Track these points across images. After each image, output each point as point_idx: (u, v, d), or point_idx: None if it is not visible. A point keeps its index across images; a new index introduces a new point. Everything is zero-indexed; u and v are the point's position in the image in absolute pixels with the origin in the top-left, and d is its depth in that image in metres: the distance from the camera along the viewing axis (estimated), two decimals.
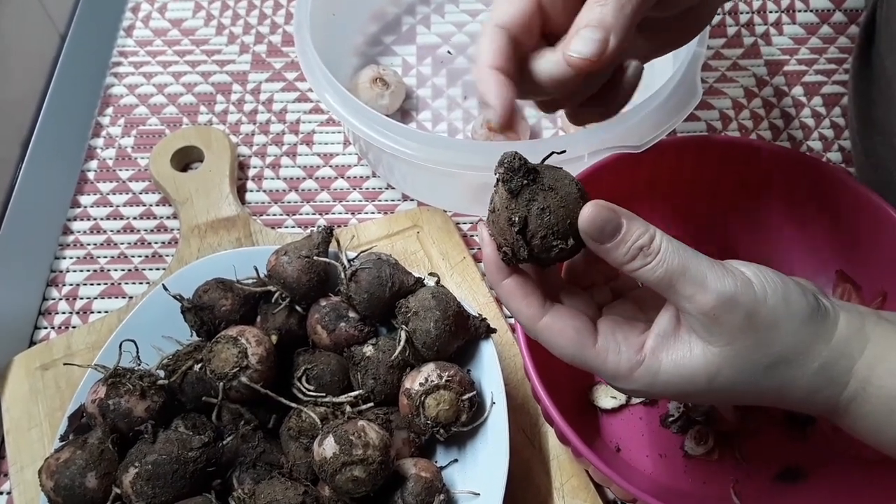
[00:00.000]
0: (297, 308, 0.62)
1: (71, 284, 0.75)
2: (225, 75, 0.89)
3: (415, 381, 0.56)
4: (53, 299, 0.74)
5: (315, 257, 0.61)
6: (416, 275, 0.62)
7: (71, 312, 0.73)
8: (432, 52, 0.90)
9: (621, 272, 0.41)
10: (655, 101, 0.64)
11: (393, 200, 0.79)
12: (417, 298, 0.58)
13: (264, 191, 0.80)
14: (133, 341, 0.58)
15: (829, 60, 0.88)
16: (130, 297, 0.74)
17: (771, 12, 0.92)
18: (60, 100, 0.81)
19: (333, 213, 0.79)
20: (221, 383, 0.55)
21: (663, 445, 0.63)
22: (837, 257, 0.64)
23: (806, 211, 0.65)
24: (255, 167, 0.82)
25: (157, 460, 0.52)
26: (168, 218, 0.79)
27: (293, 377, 0.59)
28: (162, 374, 0.59)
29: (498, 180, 0.40)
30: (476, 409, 0.57)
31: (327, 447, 0.51)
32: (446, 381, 0.55)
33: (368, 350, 0.59)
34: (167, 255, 0.76)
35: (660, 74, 0.70)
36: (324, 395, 0.58)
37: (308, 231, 0.74)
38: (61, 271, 0.75)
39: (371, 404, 0.58)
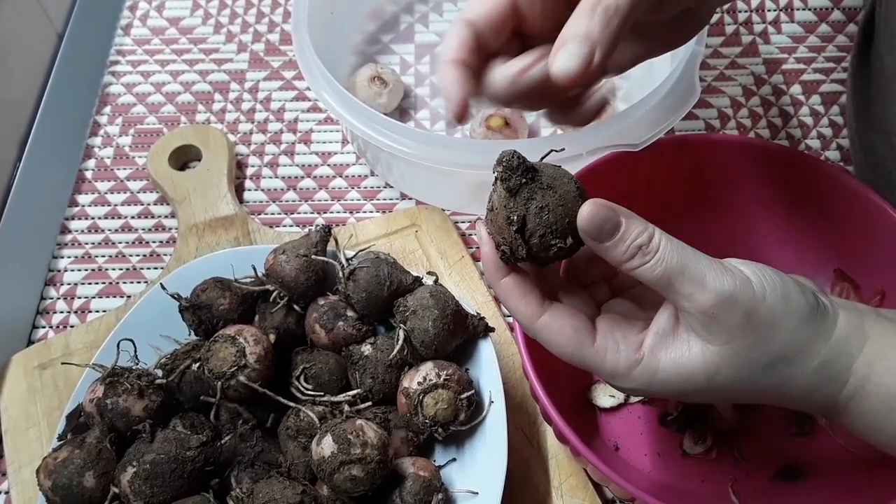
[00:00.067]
0: (296, 307, 0.62)
1: (69, 284, 0.75)
2: (223, 74, 0.89)
3: (413, 380, 0.56)
4: (51, 298, 0.74)
5: (313, 256, 0.61)
6: (415, 274, 0.62)
7: (69, 312, 0.73)
8: (430, 51, 0.90)
9: (620, 271, 0.41)
10: (654, 100, 0.64)
11: (391, 199, 0.79)
12: (416, 297, 0.58)
13: (262, 189, 0.80)
14: (131, 340, 0.58)
15: (827, 59, 0.88)
16: (128, 297, 0.73)
17: (769, 10, 0.92)
18: (58, 99, 0.81)
19: (332, 212, 0.78)
20: (219, 382, 0.55)
21: (662, 444, 0.63)
22: (836, 256, 0.64)
23: (804, 209, 0.65)
24: (253, 166, 0.82)
25: (155, 459, 0.52)
26: (166, 217, 0.78)
27: (291, 376, 0.59)
28: (160, 373, 0.58)
29: (496, 179, 0.40)
30: (474, 408, 0.57)
31: (325, 446, 0.51)
32: (444, 380, 0.55)
33: (367, 349, 0.59)
34: (165, 254, 0.76)
35: (658, 73, 0.70)
36: (322, 394, 0.58)
37: (306, 230, 0.73)
38: (59, 270, 0.75)
39: (369, 403, 0.58)
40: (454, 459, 0.58)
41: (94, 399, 0.56)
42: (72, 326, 0.72)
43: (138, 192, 0.80)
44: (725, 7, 0.92)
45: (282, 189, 0.80)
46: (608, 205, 0.39)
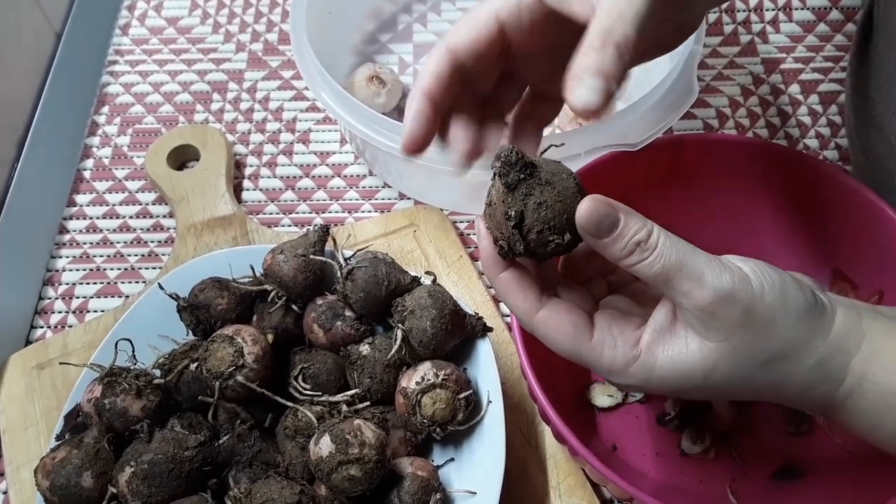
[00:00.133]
0: (294, 307, 0.61)
1: (67, 283, 0.75)
2: (221, 73, 0.89)
3: (411, 380, 0.56)
4: (49, 298, 0.74)
5: (311, 256, 0.61)
6: (413, 273, 0.62)
7: (67, 311, 0.73)
8: (428, 51, 0.89)
9: (617, 267, 0.41)
10: (652, 99, 0.64)
11: (390, 199, 0.79)
12: (414, 297, 0.58)
13: (261, 189, 0.80)
14: (129, 340, 0.58)
15: (825, 58, 0.88)
16: (127, 296, 0.73)
17: (768, 10, 0.92)
18: (56, 98, 0.81)
19: (330, 212, 0.78)
20: (217, 382, 0.55)
21: (660, 444, 0.63)
22: (834, 256, 0.64)
23: (803, 209, 0.65)
24: (251, 166, 0.82)
25: (153, 459, 0.52)
26: (164, 217, 0.78)
27: (289, 376, 0.59)
28: (158, 373, 0.58)
29: (495, 174, 0.40)
30: (472, 408, 0.57)
31: (323, 446, 0.51)
32: (443, 379, 0.55)
33: (365, 349, 0.58)
34: (163, 254, 0.76)
35: (656, 72, 0.70)
36: (320, 394, 0.58)
37: (304, 230, 0.73)
38: (57, 270, 0.75)
39: (367, 403, 0.58)
40: (452, 459, 0.58)
41: (92, 399, 0.56)
42: (70, 326, 0.72)
43: (136, 192, 0.80)
44: (724, 6, 0.92)
45: (280, 189, 0.80)
46: (607, 201, 0.39)
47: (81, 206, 0.79)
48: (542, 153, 0.42)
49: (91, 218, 0.78)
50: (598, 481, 0.60)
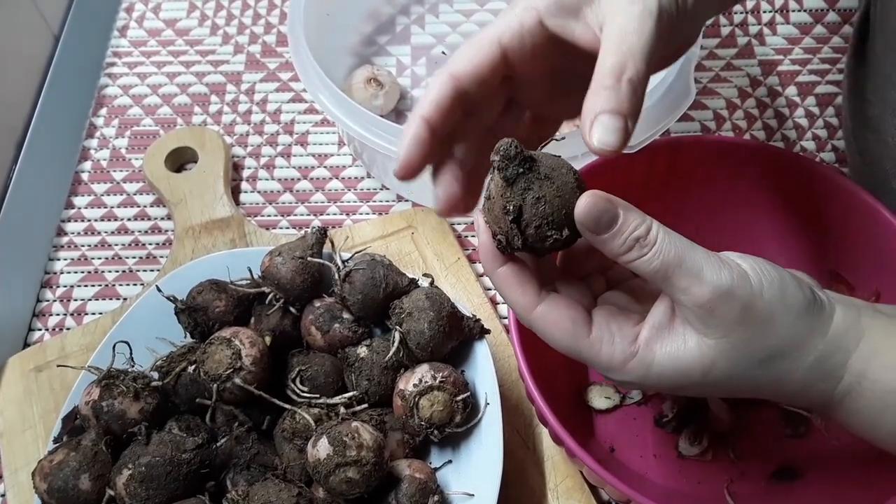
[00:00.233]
0: (291, 309, 0.62)
1: (65, 286, 0.75)
2: (219, 76, 0.89)
3: (409, 382, 0.56)
4: (47, 301, 0.74)
5: (309, 258, 0.61)
6: (411, 276, 0.62)
7: (65, 314, 0.73)
8: (426, 53, 0.90)
9: (616, 263, 0.40)
10: (649, 101, 0.64)
11: (387, 201, 0.79)
12: (411, 299, 0.58)
13: (258, 192, 0.80)
14: (127, 343, 0.58)
15: (822, 60, 0.88)
16: (124, 299, 0.73)
17: (765, 12, 0.92)
18: (54, 100, 0.81)
19: (328, 214, 0.79)
20: (215, 385, 0.55)
21: (657, 445, 0.63)
22: (831, 257, 0.64)
23: (799, 211, 0.65)
24: (249, 168, 0.82)
25: (151, 462, 0.52)
26: (162, 219, 0.78)
27: (287, 378, 0.59)
28: (156, 375, 0.58)
29: (494, 168, 0.39)
30: (470, 410, 0.57)
31: (321, 448, 0.51)
32: (440, 381, 0.55)
33: (362, 351, 0.59)
34: (161, 257, 0.76)
35: (654, 74, 0.70)
36: (318, 396, 0.58)
37: (302, 232, 0.73)
38: (55, 273, 0.75)
39: (365, 405, 0.58)
40: (450, 461, 0.58)
41: (89, 401, 0.56)
42: (68, 329, 0.72)
43: (134, 195, 0.80)
44: None
45: (278, 191, 0.80)
46: (606, 196, 0.39)
47: (79, 208, 0.79)
48: (542, 146, 0.42)
49: (89, 220, 0.78)
50: (596, 483, 0.60)
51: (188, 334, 0.62)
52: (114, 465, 0.54)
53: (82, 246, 0.77)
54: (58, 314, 0.73)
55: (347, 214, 0.78)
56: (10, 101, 0.76)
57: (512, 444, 0.61)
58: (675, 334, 0.40)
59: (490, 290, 0.72)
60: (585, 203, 0.38)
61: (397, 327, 0.57)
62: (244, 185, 0.81)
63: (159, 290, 0.61)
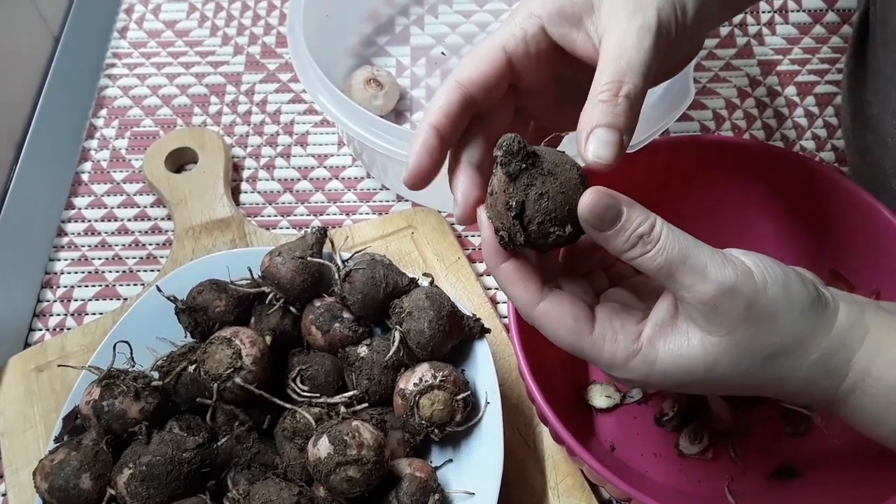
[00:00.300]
0: (292, 309, 0.62)
1: (65, 286, 0.75)
2: (219, 77, 0.89)
3: (409, 382, 0.56)
4: (48, 301, 0.74)
5: (309, 258, 0.61)
6: (411, 275, 0.62)
7: (65, 314, 0.73)
8: (426, 53, 0.90)
9: (618, 259, 0.40)
10: (648, 101, 0.64)
11: (387, 201, 0.79)
12: (411, 299, 0.58)
13: (258, 192, 0.80)
14: (127, 343, 0.58)
15: (821, 60, 0.88)
16: (125, 299, 0.74)
17: (764, 12, 0.92)
18: (54, 101, 0.81)
19: (328, 214, 0.79)
20: (216, 384, 0.55)
21: (658, 444, 0.63)
22: (830, 257, 0.64)
23: (799, 211, 0.65)
24: (249, 168, 0.82)
25: (152, 461, 0.52)
26: (162, 219, 0.79)
27: (287, 378, 0.59)
28: (156, 375, 0.58)
29: (497, 163, 0.39)
30: (470, 409, 0.57)
31: (322, 447, 0.51)
32: (440, 381, 0.55)
33: (363, 350, 0.59)
34: (161, 257, 0.76)
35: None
36: (318, 395, 0.58)
37: (302, 232, 0.74)
38: (56, 273, 0.75)
39: (365, 405, 0.58)
40: (450, 460, 0.58)
41: (90, 401, 0.56)
42: (68, 329, 0.72)
43: (135, 195, 0.80)
44: None
45: (278, 191, 0.80)
46: (610, 193, 0.38)
47: (80, 208, 0.79)
48: (546, 141, 0.42)
49: (89, 220, 0.79)
50: (597, 482, 0.60)
51: (188, 334, 0.62)
52: (115, 465, 0.54)
53: (83, 246, 0.77)
54: (58, 314, 0.73)
55: (347, 214, 0.78)
56: (10, 102, 0.76)
57: (512, 443, 0.62)
58: (678, 332, 0.40)
59: (490, 289, 0.72)
60: (589, 199, 0.38)
61: (397, 327, 0.57)
62: (244, 186, 0.81)
63: (159, 290, 0.61)
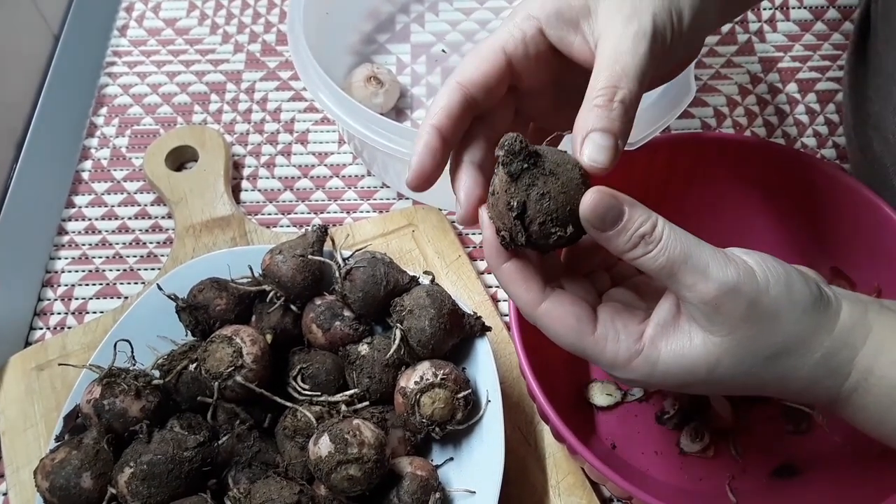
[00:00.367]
0: (292, 307, 0.61)
1: (66, 285, 0.75)
2: (219, 74, 0.89)
3: (410, 380, 0.56)
4: (48, 300, 0.74)
5: (310, 256, 0.61)
6: (411, 273, 0.62)
7: (66, 313, 0.73)
8: (426, 51, 0.90)
9: (621, 259, 0.40)
10: (649, 99, 0.64)
11: (388, 199, 0.79)
12: (412, 297, 0.58)
13: (259, 190, 0.80)
14: (128, 341, 0.58)
15: (823, 57, 0.88)
16: (125, 298, 0.74)
17: (765, 9, 0.92)
18: (54, 100, 0.81)
19: (328, 212, 0.79)
20: (216, 383, 0.55)
21: (659, 442, 0.63)
22: (832, 254, 0.64)
23: (800, 208, 0.65)
24: (249, 166, 0.82)
25: (153, 460, 0.52)
26: (163, 218, 0.78)
27: (288, 376, 0.59)
28: (157, 373, 0.58)
29: (498, 163, 0.39)
30: (471, 408, 0.57)
31: (322, 446, 0.51)
32: (441, 379, 0.55)
33: (363, 349, 0.59)
34: (162, 255, 0.76)
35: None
36: (319, 394, 0.58)
37: (303, 230, 0.73)
38: (56, 272, 0.75)
39: (366, 403, 0.58)
40: (451, 459, 0.58)
41: (91, 400, 0.56)
42: (69, 327, 0.72)
43: (135, 193, 0.80)
44: None
45: (278, 189, 0.80)
46: (611, 192, 0.38)
47: (80, 207, 0.79)
48: (548, 141, 0.42)
49: (90, 219, 0.79)
50: (598, 480, 0.60)
51: (189, 333, 0.62)
52: (115, 464, 0.54)
53: (83, 245, 0.77)
54: (59, 313, 0.73)
55: (348, 212, 0.78)
56: (10, 101, 0.76)
57: (513, 442, 0.61)
58: (680, 332, 0.40)
59: (491, 287, 0.72)
60: (590, 200, 0.38)
61: (398, 325, 0.57)
62: (244, 184, 0.81)
63: (160, 288, 0.61)
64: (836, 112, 0.84)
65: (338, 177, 0.81)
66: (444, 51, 0.90)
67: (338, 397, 0.57)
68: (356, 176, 0.81)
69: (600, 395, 0.64)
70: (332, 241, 0.65)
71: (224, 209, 0.75)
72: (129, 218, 0.79)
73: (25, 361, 0.67)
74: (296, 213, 0.79)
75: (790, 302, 0.39)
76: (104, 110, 0.86)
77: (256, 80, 0.88)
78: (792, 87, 0.86)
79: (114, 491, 0.53)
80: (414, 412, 0.55)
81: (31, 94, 0.79)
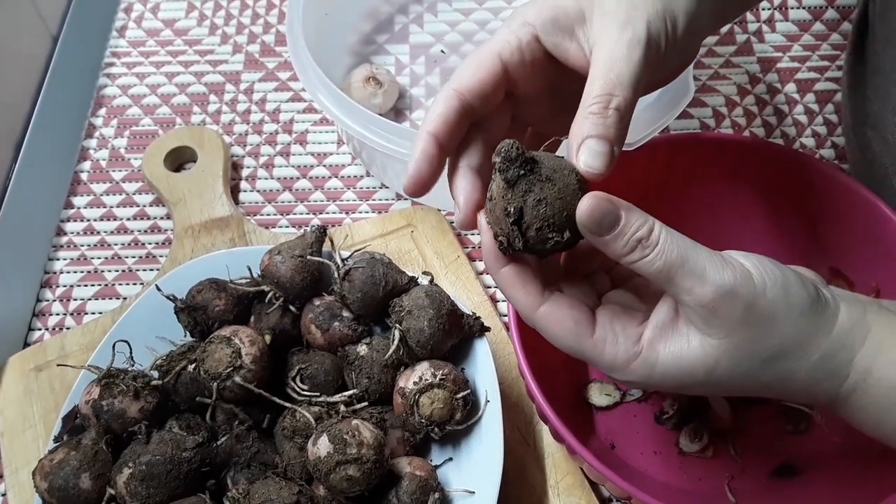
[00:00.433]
0: (291, 308, 0.61)
1: (65, 285, 0.74)
2: (218, 75, 0.89)
3: (409, 380, 0.56)
4: (47, 300, 0.74)
5: (309, 257, 0.61)
6: (410, 274, 0.62)
7: (65, 313, 0.73)
8: (425, 51, 0.90)
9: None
10: (648, 99, 0.64)
11: (387, 200, 0.79)
12: (411, 297, 0.58)
13: (258, 191, 0.80)
14: (127, 342, 0.58)
15: (821, 57, 0.88)
16: (124, 298, 0.73)
17: (764, 9, 0.92)
18: (53, 101, 0.81)
19: (327, 213, 0.79)
20: (215, 383, 0.55)
21: (658, 442, 0.63)
22: (830, 254, 0.64)
23: (799, 208, 0.65)
24: (248, 167, 0.82)
25: (152, 461, 0.52)
26: (161, 218, 0.78)
27: (287, 377, 0.59)
28: (156, 374, 0.58)
29: (495, 169, 0.39)
30: (470, 408, 0.57)
31: (321, 446, 0.51)
32: (440, 379, 0.55)
33: (362, 349, 0.59)
34: (161, 256, 0.76)
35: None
36: (318, 394, 0.58)
37: (302, 231, 0.73)
38: (55, 272, 0.75)
39: (365, 403, 0.58)
40: (450, 459, 0.58)
41: (89, 401, 0.56)
42: (68, 328, 0.72)
43: (134, 194, 0.80)
44: None
45: (277, 190, 0.80)
46: (608, 197, 0.39)
47: (79, 208, 0.79)
48: (545, 146, 0.42)
49: (88, 220, 0.78)
50: (597, 480, 0.60)
51: (188, 333, 0.62)
52: (114, 464, 0.54)
53: (82, 246, 0.77)
54: (58, 314, 0.73)
55: (347, 213, 0.78)
56: (9, 102, 0.76)
57: (512, 442, 0.61)
58: (678, 334, 0.40)
59: (490, 287, 0.72)
60: (587, 205, 0.38)
61: (397, 325, 0.57)
62: (243, 185, 0.81)
63: (159, 289, 0.61)
64: (835, 112, 0.84)
65: (337, 177, 0.81)
66: (443, 51, 0.90)
67: (337, 398, 0.57)
68: (355, 176, 0.81)
69: (599, 396, 0.64)
70: (331, 241, 0.65)
71: (223, 210, 0.75)
72: (128, 219, 0.79)
73: (24, 362, 0.67)
74: (295, 214, 0.79)
75: (787, 305, 0.39)
76: (103, 111, 0.86)
77: (255, 80, 0.88)
78: (791, 88, 0.86)
79: (112, 492, 0.53)
80: (413, 412, 0.55)
81: (29, 95, 0.79)
